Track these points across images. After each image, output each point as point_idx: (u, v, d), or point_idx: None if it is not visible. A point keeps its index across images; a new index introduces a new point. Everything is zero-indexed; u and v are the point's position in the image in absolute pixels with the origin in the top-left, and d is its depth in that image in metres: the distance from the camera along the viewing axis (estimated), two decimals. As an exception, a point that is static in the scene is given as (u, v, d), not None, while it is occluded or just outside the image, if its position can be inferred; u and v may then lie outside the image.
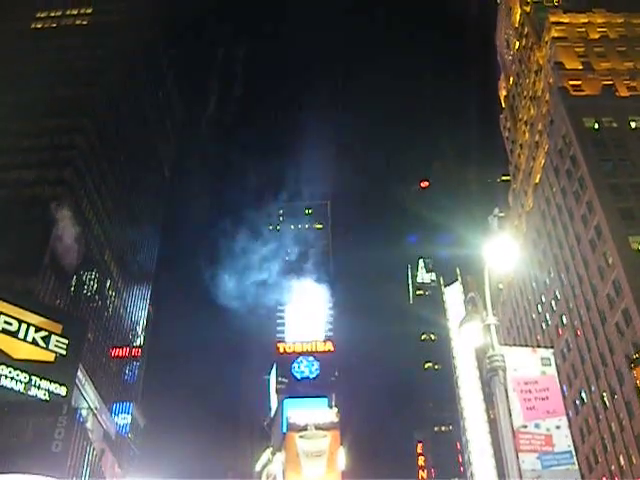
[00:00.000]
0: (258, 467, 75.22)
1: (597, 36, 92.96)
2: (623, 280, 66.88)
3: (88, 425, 63.65)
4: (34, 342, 52.41)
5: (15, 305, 53.22)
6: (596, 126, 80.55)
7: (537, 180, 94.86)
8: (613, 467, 70.62)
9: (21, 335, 52.12)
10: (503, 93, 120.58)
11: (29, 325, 52.46)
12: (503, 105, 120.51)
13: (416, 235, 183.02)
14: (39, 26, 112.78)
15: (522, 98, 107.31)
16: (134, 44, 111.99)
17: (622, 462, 68.59)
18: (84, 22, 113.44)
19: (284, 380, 71.00)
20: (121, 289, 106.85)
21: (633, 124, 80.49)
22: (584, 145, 78.45)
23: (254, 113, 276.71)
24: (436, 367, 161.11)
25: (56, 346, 53.12)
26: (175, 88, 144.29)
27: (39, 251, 78.17)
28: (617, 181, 74.05)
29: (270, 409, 75.36)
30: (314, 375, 70.82)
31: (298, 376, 70.94)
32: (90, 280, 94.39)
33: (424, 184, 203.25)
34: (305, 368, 71.26)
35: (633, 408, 65.40)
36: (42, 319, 53.69)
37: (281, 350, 73.75)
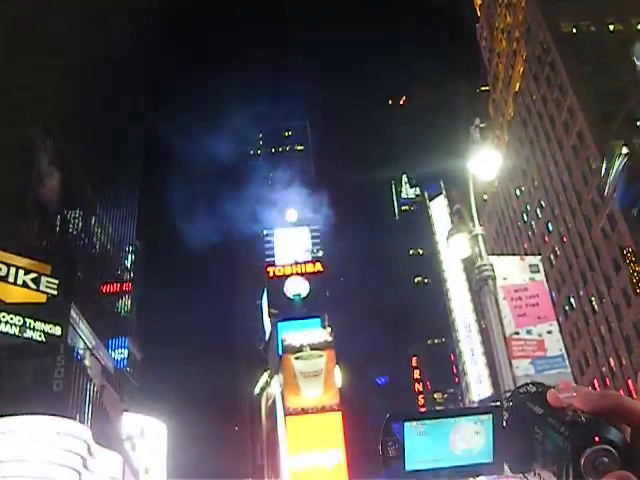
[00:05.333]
0: (257, 390, 76.55)
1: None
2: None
3: (86, 362, 64.21)
4: (24, 285, 52.35)
5: (1, 249, 52.97)
6: (574, 31, 79.63)
7: (517, 88, 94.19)
8: (604, 369, 72.30)
9: (11, 279, 52.01)
10: (478, 2, 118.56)
11: (18, 268, 52.33)
12: (479, 14, 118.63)
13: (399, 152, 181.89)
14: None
15: (498, 6, 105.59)
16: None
17: (612, 363, 70.22)
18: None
19: (274, 311, 71.30)
20: (106, 225, 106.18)
21: (612, 27, 79.62)
22: (562, 51, 77.70)
23: (235, 34, 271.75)
24: (426, 281, 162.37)
25: (47, 287, 53.08)
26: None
27: (21, 193, 77.37)
28: (597, 85, 73.61)
29: (265, 333, 76.13)
30: (305, 294, 71.19)
31: (290, 295, 71.27)
32: (74, 219, 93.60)
33: (403, 100, 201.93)
34: (296, 287, 71.58)
35: (621, 310, 66.60)
36: (30, 261, 53.51)
37: (271, 274, 73.90)
